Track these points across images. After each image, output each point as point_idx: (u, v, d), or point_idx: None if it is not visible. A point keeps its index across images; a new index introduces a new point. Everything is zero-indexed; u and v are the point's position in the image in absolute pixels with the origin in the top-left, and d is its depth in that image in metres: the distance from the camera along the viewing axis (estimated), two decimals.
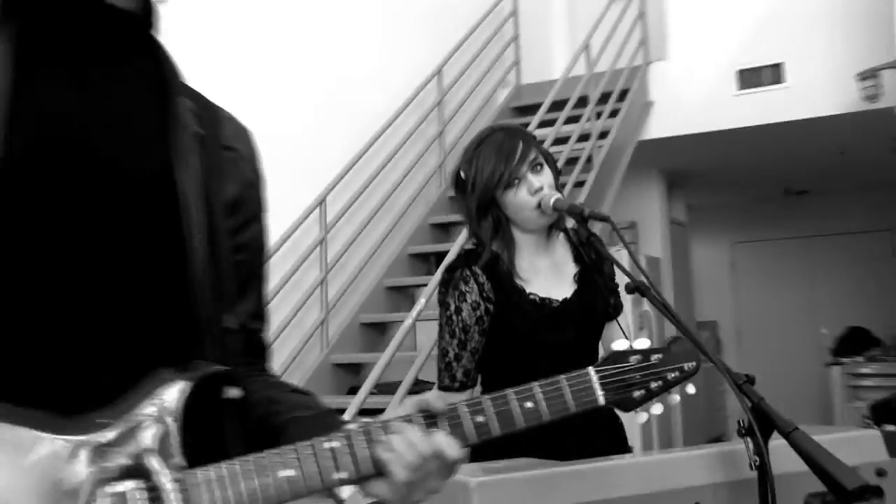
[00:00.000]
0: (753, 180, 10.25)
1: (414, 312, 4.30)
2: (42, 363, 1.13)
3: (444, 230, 6.78)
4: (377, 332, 6.02)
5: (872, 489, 1.65)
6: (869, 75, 6.60)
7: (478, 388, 2.57)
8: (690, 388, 1.45)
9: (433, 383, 4.30)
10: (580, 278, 2.57)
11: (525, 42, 8.30)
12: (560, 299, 2.51)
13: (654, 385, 1.40)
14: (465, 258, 2.56)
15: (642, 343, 1.43)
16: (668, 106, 7.53)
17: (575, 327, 2.52)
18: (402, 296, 6.20)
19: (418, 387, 4.46)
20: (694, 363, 1.44)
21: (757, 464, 1.75)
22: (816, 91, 7.06)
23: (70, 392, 1.13)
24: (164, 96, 1.30)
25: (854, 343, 9.93)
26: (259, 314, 1.39)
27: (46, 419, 1.09)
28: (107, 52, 1.26)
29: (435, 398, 1.23)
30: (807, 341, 10.90)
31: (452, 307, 2.48)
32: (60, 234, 1.17)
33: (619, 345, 1.43)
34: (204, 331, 1.24)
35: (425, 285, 6.04)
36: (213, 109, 1.38)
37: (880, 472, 2.02)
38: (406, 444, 1.17)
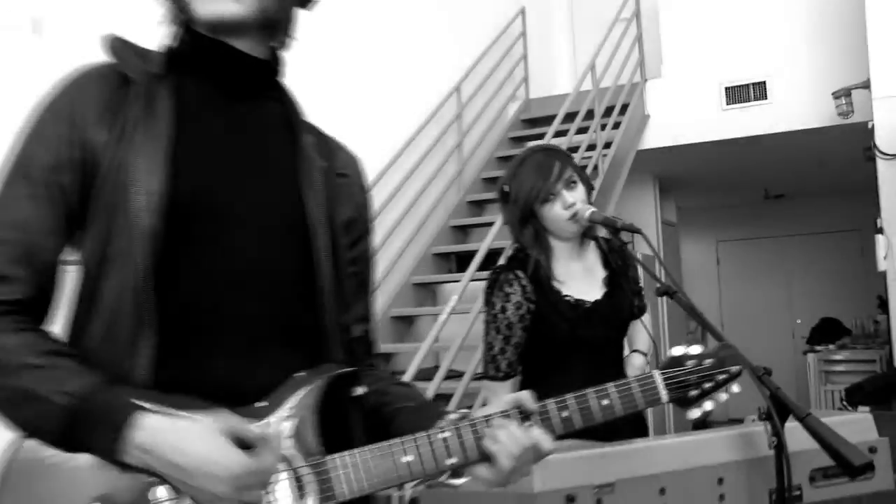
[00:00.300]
0: (737, 185, 10.27)
1: (448, 308, 4.35)
2: (215, 365, 1.22)
3: (463, 231, 6.81)
4: (405, 325, 6.04)
5: (870, 464, 1.74)
6: (843, 94, 6.64)
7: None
8: (735, 388, 1.50)
9: (462, 372, 4.39)
10: (609, 282, 2.63)
11: (532, 61, 8.29)
12: (592, 300, 2.57)
13: (706, 385, 1.45)
14: (509, 263, 2.63)
15: (696, 349, 1.48)
16: (662, 119, 7.56)
17: (605, 325, 2.58)
18: (427, 291, 6.24)
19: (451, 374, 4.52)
20: (739, 366, 1.49)
21: (775, 444, 1.84)
22: (796, 107, 7.09)
23: (235, 388, 1.22)
24: (291, 133, 1.38)
25: (826, 333, 9.94)
26: (367, 317, 1.46)
27: (220, 410, 1.17)
28: (246, 95, 1.35)
29: (527, 397, 1.31)
30: (784, 331, 10.97)
31: (498, 306, 2.54)
32: (220, 252, 1.25)
33: (677, 350, 1.48)
34: (330, 334, 1.32)
35: (447, 282, 6.15)
36: (328, 141, 1.46)
37: (872, 450, 2.11)
38: (510, 437, 1.25)
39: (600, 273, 2.65)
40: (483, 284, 2.68)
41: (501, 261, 2.79)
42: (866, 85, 6.29)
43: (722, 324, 11.03)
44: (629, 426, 2.51)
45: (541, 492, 1.70)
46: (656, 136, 7.55)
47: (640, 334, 2.77)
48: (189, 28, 1.30)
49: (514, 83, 8.06)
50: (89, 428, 1.10)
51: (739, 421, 1.94)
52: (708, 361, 1.46)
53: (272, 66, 1.38)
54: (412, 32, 6.49)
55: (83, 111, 1.23)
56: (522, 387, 2.59)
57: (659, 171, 8.67)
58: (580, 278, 2.61)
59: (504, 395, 2.50)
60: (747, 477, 1.94)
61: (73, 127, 1.22)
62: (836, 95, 6.66)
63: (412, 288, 6.11)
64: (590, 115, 6.61)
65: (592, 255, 2.67)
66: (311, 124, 1.44)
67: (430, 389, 4.10)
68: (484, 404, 1.73)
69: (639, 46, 7.86)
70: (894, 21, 6.06)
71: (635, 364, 2.79)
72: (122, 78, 1.27)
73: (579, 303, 2.55)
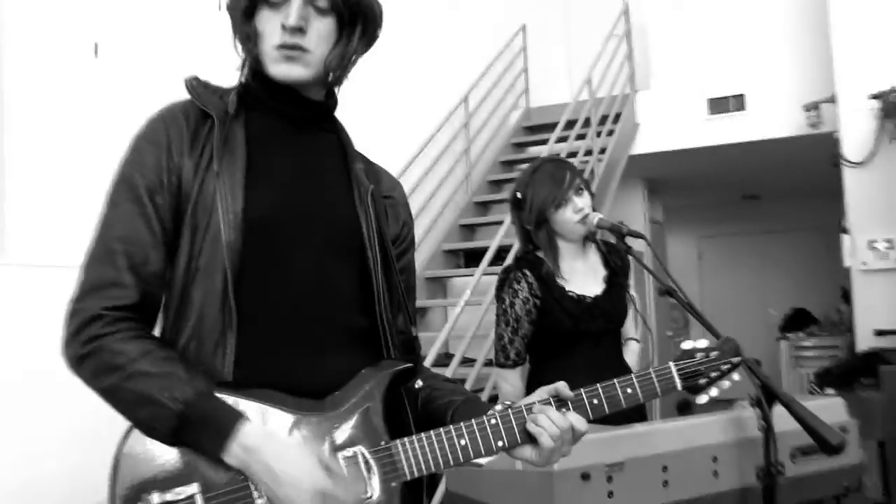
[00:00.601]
0: (717, 187, 10.29)
1: (462, 301, 4.40)
2: (288, 363, 1.28)
3: (471, 230, 6.84)
4: (419, 315, 6.01)
5: (844, 443, 1.80)
6: (812, 107, 6.71)
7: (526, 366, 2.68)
8: (736, 376, 1.54)
9: (473, 359, 4.44)
10: (608, 279, 2.68)
11: (533, 73, 8.32)
12: (593, 296, 2.62)
13: (713, 374, 1.50)
14: (517, 263, 2.68)
15: (703, 343, 1.54)
16: (651, 127, 7.59)
17: (605, 318, 2.63)
18: (438, 285, 6.27)
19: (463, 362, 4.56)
20: (739, 357, 1.54)
21: (764, 427, 1.91)
22: (771, 118, 7.13)
23: (306, 383, 1.29)
24: (345, 160, 1.46)
25: (797, 321, 9.95)
26: (413, 320, 1.52)
27: (299, 402, 1.26)
28: (306, 130, 1.43)
29: (563, 386, 1.37)
30: (759, 319, 11.00)
31: (507, 301, 2.60)
32: (290, 264, 1.32)
33: (687, 344, 1.53)
34: (384, 335, 1.40)
35: (456, 276, 6.18)
36: (374, 167, 1.54)
37: (843, 429, 2.17)
38: (550, 421, 1.31)
39: (601, 272, 2.70)
40: (492, 279, 2.74)
41: (510, 260, 2.84)
42: (833, 99, 6.35)
43: (704, 313, 10.98)
44: (634, 412, 2.59)
45: (559, 470, 1.75)
46: (646, 143, 7.59)
47: (629, 323, 2.81)
48: (258, 73, 1.38)
49: (516, 93, 8.10)
50: (197, 430, 1.18)
51: (724, 402, 2.01)
52: (714, 354, 1.51)
53: (327, 104, 1.46)
54: (425, 48, 6.52)
55: (174, 142, 1.31)
56: (530, 373, 2.67)
57: (648, 175, 8.71)
58: (583, 276, 2.66)
59: (513, 380, 2.59)
60: (738, 455, 1.99)
61: (167, 155, 1.30)
62: (807, 108, 6.74)
63: (425, 282, 6.12)
64: (586, 123, 6.66)
65: (594, 256, 2.72)
66: (360, 153, 1.52)
67: (446, 374, 4.13)
68: (494, 388, 1.80)
69: (630, 61, 7.89)
70: (857, 43, 6.12)
71: (633, 350, 2.86)
72: (202, 113, 1.34)
73: (581, 298, 2.60)
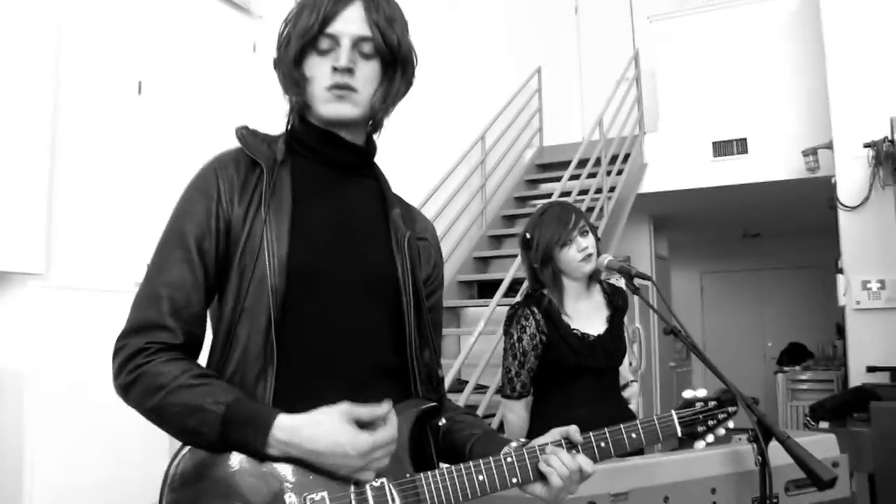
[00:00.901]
0: (720, 225, 10.29)
1: (476, 331, 4.43)
2: (324, 398, 1.28)
3: (485, 262, 6.85)
4: None
5: (835, 478, 1.81)
6: (810, 152, 6.73)
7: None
8: (730, 423, 1.60)
9: (486, 386, 4.46)
10: (611, 319, 2.72)
11: (547, 113, 8.37)
12: (596, 334, 2.65)
13: (710, 423, 1.56)
14: (526, 300, 2.71)
15: (702, 392, 1.58)
16: (658, 167, 7.61)
17: (606, 356, 2.66)
18: (452, 314, 6.26)
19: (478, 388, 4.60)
20: (736, 407, 1.59)
21: (760, 461, 1.94)
22: (771, 161, 7.15)
23: None
24: (383, 205, 1.50)
25: (793, 355, 9.90)
26: (439, 357, 1.55)
27: None
28: (348, 176, 1.47)
29: (574, 430, 1.41)
30: (757, 352, 10.99)
31: (515, 336, 2.63)
32: (330, 305, 1.36)
33: (688, 393, 1.58)
34: (413, 372, 1.44)
35: (470, 306, 6.17)
36: (410, 210, 1.58)
37: (835, 464, 2.19)
38: (560, 462, 1.35)
39: (604, 312, 2.73)
40: (504, 310, 2.76)
41: (519, 297, 2.88)
42: (830, 146, 6.40)
43: (704, 345, 11.03)
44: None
45: (567, 498, 1.79)
46: (653, 182, 7.61)
47: (624, 364, 2.83)
48: (303, 119, 1.43)
49: (530, 132, 8.13)
50: (241, 428, 1.21)
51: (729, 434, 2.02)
52: (712, 403, 1.56)
53: (367, 149, 1.51)
54: (445, 88, 6.58)
55: (224, 190, 1.36)
56: (534, 404, 2.69)
57: (654, 212, 8.72)
58: (586, 315, 2.69)
59: (518, 410, 2.62)
60: (736, 487, 2.01)
61: (217, 203, 1.35)
62: (805, 153, 6.77)
63: None
64: (597, 162, 6.70)
65: (598, 296, 2.75)
66: (397, 196, 1.56)
67: (460, 401, 4.18)
68: (500, 419, 1.84)
69: (639, 104, 7.94)
70: (853, 95, 6.18)
71: (634, 392, 2.90)
72: (251, 161, 1.39)
73: (585, 336, 2.63)
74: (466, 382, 4.42)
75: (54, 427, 3.10)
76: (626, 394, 2.81)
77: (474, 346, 4.44)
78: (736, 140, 7.38)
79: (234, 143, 1.46)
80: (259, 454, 1.23)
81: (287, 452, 1.22)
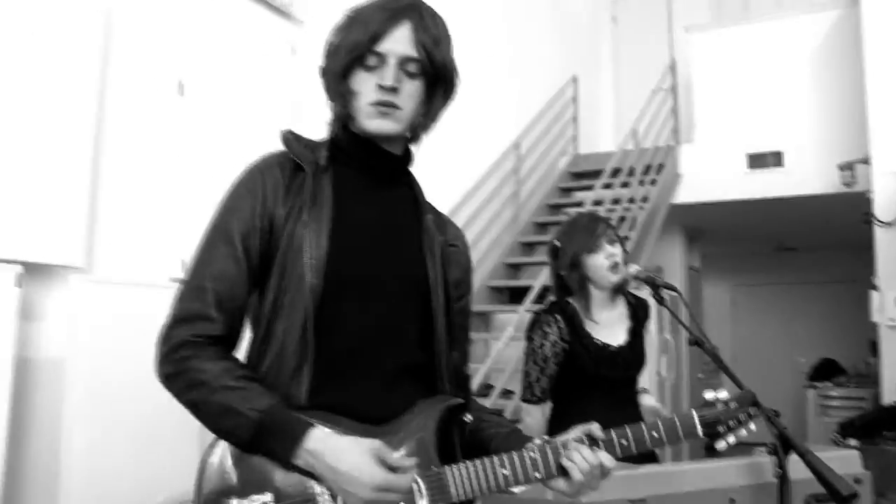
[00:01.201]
0: (754, 238, 10.23)
1: (505, 337, 4.46)
2: (356, 393, 1.37)
3: (515, 269, 6.86)
4: None
5: (854, 494, 1.81)
6: (846, 167, 6.68)
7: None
8: (752, 426, 1.58)
9: (513, 391, 4.48)
10: (632, 331, 2.74)
11: (582, 122, 8.37)
12: (616, 345, 2.67)
13: (731, 423, 1.55)
14: (550, 307, 2.74)
15: (723, 393, 1.58)
16: (692, 179, 7.58)
17: (625, 367, 2.68)
18: (482, 320, 6.29)
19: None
20: (757, 409, 1.59)
21: (780, 474, 1.94)
22: (807, 175, 7.11)
23: (371, 411, 1.38)
24: (417, 212, 1.55)
25: (825, 371, 9.80)
26: (467, 359, 1.61)
27: (362, 426, 1.34)
28: (385, 184, 1.52)
29: (596, 427, 1.44)
30: (788, 367, 10.88)
31: (537, 342, 2.65)
32: (363, 306, 1.41)
33: (709, 394, 1.58)
34: (441, 370, 1.48)
35: (501, 312, 6.18)
36: (441, 217, 1.63)
37: (857, 480, 2.18)
38: (582, 458, 1.39)
39: (626, 323, 2.75)
40: (530, 320, 2.79)
41: (543, 305, 2.91)
42: (866, 161, 6.34)
43: (734, 358, 10.94)
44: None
45: (586, 502, 1.80)
46: (687, 193, 7.58)
47: (645, 373, 2.84)
48: (346, 128, 1.48)
49: (565, 140, 8.14)
50: (272, 436, 1.27)
51: (746, 445, 2.02)
52: (733, 405, 1.56)
53: (404, 158, 1.56)
54: (481, 95, 6.62)
55: (269, 190, 1.41)
56: (553, 410, 2.71)
57: (687, 223, 8.69)
58: (609, 325, 2.71)
59: (536, 414, 2.64)
60: (754, 499, 2.01)
61: (262, 202, 1.40)
62: (841, 167, 6.72)
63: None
64: (630, 171, 6.71)
65: (621, 307, 2.77)
66: (430, 204, 1.61)
67: (486, 405, 4.17)
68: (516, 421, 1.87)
69: (674, 115, 7.93)
70: (891, 110, 6.14)
71: (649, 401, 2.90)
72: (294, 165, 1.45)
73: (606, 346, 2.66)
74: (493, 387, 4.44)
75: (90, 414, 3.18)
76: (643, 401, 2.83)
77: (502, 351, 4.46)
78: (771, 153, 7.34)
79: (273, 144, 1.51)
80: (284, 462, 1.29)
81: (311, 465, 1.27)
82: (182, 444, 3.27)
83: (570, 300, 2.72)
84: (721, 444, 1.57)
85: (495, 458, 1.38)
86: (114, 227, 3.48)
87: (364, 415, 1.37)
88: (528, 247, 7.07)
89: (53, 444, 3.12)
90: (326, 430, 1.29)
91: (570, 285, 2.72)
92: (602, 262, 2.66)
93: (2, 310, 2.90)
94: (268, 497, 1.28)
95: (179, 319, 1.36)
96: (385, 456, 1.28)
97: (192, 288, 1.38)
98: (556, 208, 7.58)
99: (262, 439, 1.28)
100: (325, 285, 1.37)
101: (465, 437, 1.51)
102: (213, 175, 3.53)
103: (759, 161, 7.38)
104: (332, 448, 1.27)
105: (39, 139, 3.14)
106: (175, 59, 3.84)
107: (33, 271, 3.08)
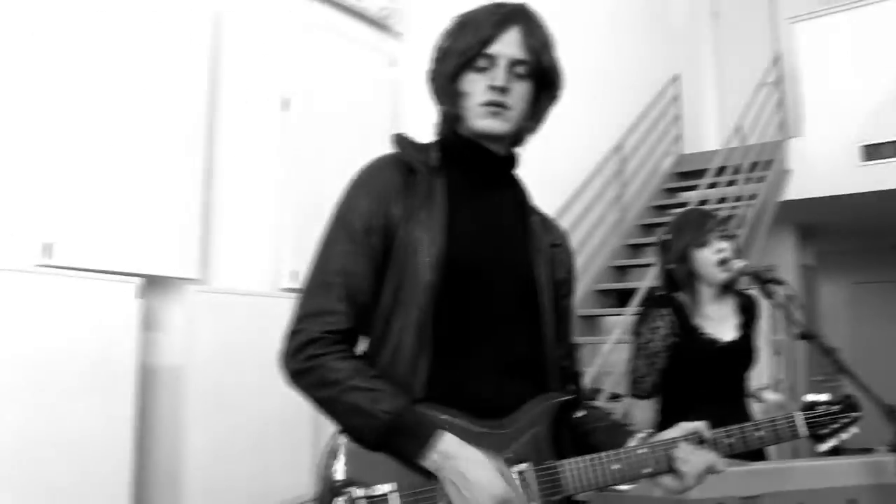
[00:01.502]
0: (872, 234, 9.81)
1: (612, 340, 4.43)
2: (471, 387, 1.41)
3: (622, 271, 6.81)
4: None
5: None
6: None
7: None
8: (855, 429, 1.58)
9: (620, 395, 4.43)
10: (742, 327, 2.69)
11: (686, 120, 8.25)
12: (725, 340, 2.64)
13: (834, 426, 1.55)
14: (658, 300, 2.71)
15: (825, 396, 1.58)
16: (803, 174, 7.36)
17: (734, 363, 2.65)
18: (588, 323, 6.25)
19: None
20: (859, 412, 1.59)
21: None
22: None
23: (486, 405, 1.41)
24: (523, 213, 1.59)
25: None
26: (574, 355, 1.63)
27: (480, 421, 1.39)
28: (492, 185, 1.56)
29: (703, 426, 1.45)
30: None
31: (646, 337, 2.63)
32: (477, 303, 1.45)
33: (810, 396, 1.58)
34: (551, 368, 1.51)
35: (608, 315, 6.15)
36: (546, 218, 1.66)
37: None
38: (691, 455, 1.41)
39: (736, 318, 2.71)
40: (635, 319, 2.77)
41: (651, 300, 2.88)
42: None
43: (855, 359, 10.46)
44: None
45: (696, 499, 1.78)
46: (797, 189, 7.36)
47: (759, 372, 2.81)
48: (454, 131, 1.53)
49: (668, 140, 8.03)
50: (401, 437, 1.32)
51: (869, 450, 1.96)
52: (836, 407, 1.57)
53: (510, 160, 1.59)
54: (583, 98, 6.59)
55: (385, 190, 1.46)
56: (660, 405, 2.68)
57: (799, 220, 8.43)
58: (718, 320, 2.67)
59: (646, 410, 2.61)
60: (875, 500, 1.94)
61: (379, 202, 1.45)
62: None
63: (579, 320, 6.10)
64: (737, 169, 6.56)
65: (730, 303, 2.74)
66: (534, 206, 1.64)
67: None
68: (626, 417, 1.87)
69: (781, 108, 7.72)
70: None
71: (774, 397, 2.84)
72: (407, 166, 1.49)
73: (715, 341, 2.62)
74: (601, 390, 4.41)
75: (207, 420, 3.32)
76: (767, 397, 2.76)
77: (610, 354, 4.42)
78: (887, 143, 7.04)
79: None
80: (410, 462, 1.33)
81: (439, 467, 1.31)
82: (296, 448, 3.37)
83: (678, 295, 2.69)
84: (824, 446, 1.56)
85: (607, 454, 1.41)
86: (227, 240, 3.65)
87: (479, 408, 1.40)
88: (634, 249, 7.00)
89: (174, 451, 3.28)
90: (456, 438, 1.33)
91: (678, 280, 2.70)
92: (711, 257, 2.64)
93: (125, 320, 3.08)
94: (390, 487, 1.32)
95: (307, 315, 1.41)
96: (507, 476, 1.33)
97: (318, 284, 1.43)
98: (661, 209, 7.47)
99: (390, 441, 1.33)
100: (442, 283, 1.40)
101: (574, 432, 1.53)
102: (318, 187, 3.65)
103: (875, 152, 7.09)
104: (466, 457, 1.31)
105: (155, 157, 3.33)
106: (278, 75, 3.99)
107: (153, 283, 3.26)
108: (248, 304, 3.53)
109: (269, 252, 3.82)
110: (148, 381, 3.22)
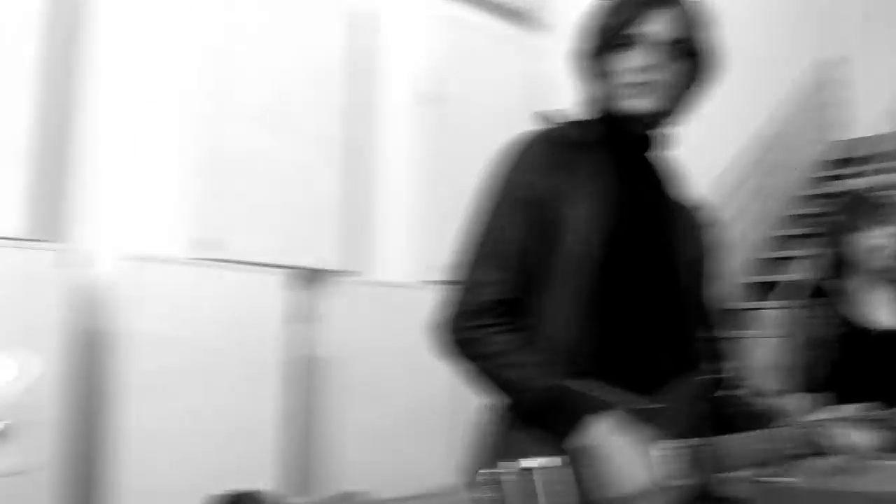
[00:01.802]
0: None
1: (761, 334, 4.30)
2: (626, 363, 1.42)
3: (772, 263, 6.60)
4: None
5: None
6: None
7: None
8: None
9: (771, 390, 4.29)
10: None
11: (841, 105, 7.93)
12: (886, 328, 2.57)
13: None
14: (818, 291, 2.68)
15: None
16: None
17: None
18: (735, 316, 6.06)
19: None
20: None
21: None
22: None
23: (639, 381, 1.41)
24: (669, 193, 1.58)
25: None
26: (719, 335, 1.61)
27: (634, 397, 1.39)
28: (640, 162, 1.56)
29: (850, 409, 1.43)
30: None
31: (807, 329, 2.61)
32: (630, 277, 1.46)
33: None
34: (697, 346, 1.51)
35: (754, 309, 5.92)
36: (697, 201, 1.64)
37: None
38: (840, 437, 1.39)
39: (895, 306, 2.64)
40: (788, 312, 2.77)
41: (811, 291, 2.81)
42: None
43: None
44: None
45: (883, 491, 1.77)
46: None
47: None
48: (601, 109, 1.53)
49: (819, 128, 7.71)
50: (555, 412, 1.35)
51: None
52: None
53: (660, 141, 1.58)
54: (735, 83, 6.43)
55: (540, 164, 1.47)
56: (826, 397, 2.61)
57: None
58: (882, 308, 2.61)
59: (809, 404, 2.55)
60: None
61: (534, 175, 1.46)
62: None
63: (726, 313, 5.88)
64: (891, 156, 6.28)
65: (891, 290, 2.66)
66: (684, 187, 1.63)
67: None
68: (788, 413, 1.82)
69: None
70: None
71: None
72: (556, 143, 1.50)
73: (877, 329, 2.57)
74: (746, 382, 4.29)
75: (360, 407, 3.48)
76: None
77: (756, 347, 4.31)
78: None
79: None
80: (560, 435, 1.35)
81: (594, 442, 1.32)
82: (436, 433, 3.47)
83: (842, 283, 2.65)
84: None
85: (755, 433, 1.40)
86: (380, 234, 3.87)
87: (632, 383, 1.40)
88: (782, 240, 6.77)
89: (338, 432, 3.46)
90: (609, 419, 1.34)
91: (839, 266, 2.66)
92: (872, 243, 2.58)
93: (272, 312, 3.29)
94: (534, 462, 1.34)
95: (471, 285, 1.44)
96: (658, 463, 1.33)
97: (483, 255, 1.45)
98: (808, 199, 7.17)
99: (543, 415, 1.35)
100: (604, 258, 1.41)
101: (718, 412, 1.52)
102: (464, 181, 3.73)
103: None
104: (614, 440, 1.32)
105: (306, 153, 3.52)
106: (424, 71, 4.12)
107: (309, 276, 3.50)
108: (396, 295, 3.68)
109: (419, 244, 3.99)
110: (307, 371, 3.40)
